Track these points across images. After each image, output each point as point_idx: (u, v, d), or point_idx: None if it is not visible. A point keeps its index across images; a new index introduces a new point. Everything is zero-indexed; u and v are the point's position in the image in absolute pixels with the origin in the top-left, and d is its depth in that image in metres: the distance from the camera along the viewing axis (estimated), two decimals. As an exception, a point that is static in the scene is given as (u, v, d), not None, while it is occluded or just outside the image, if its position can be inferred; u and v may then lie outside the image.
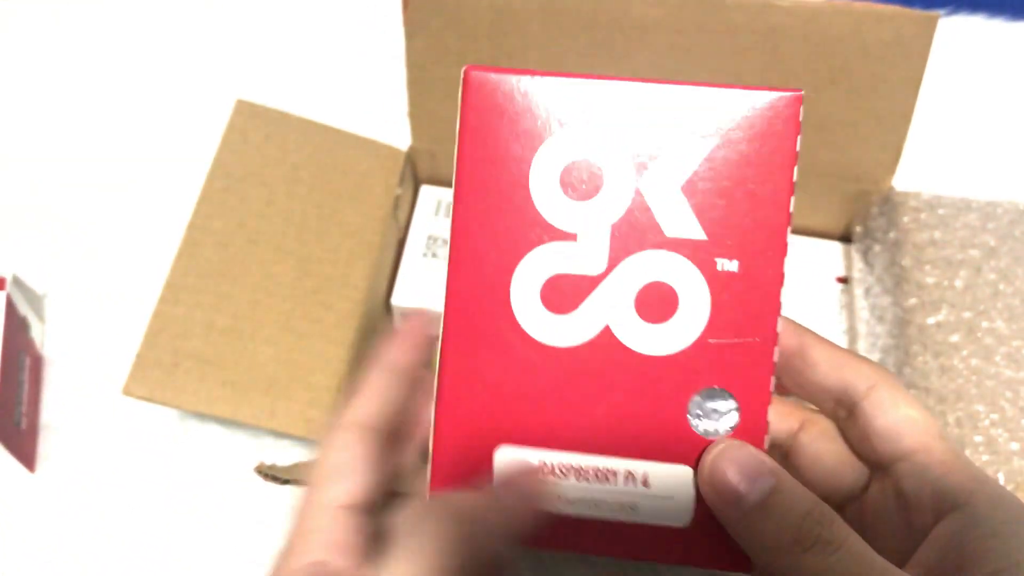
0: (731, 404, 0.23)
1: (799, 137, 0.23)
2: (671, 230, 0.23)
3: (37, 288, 0.55)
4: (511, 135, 0.23)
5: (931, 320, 0.46)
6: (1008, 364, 0.45)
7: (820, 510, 0.21)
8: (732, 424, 0.23)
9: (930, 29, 0.44)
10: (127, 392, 0.45)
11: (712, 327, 0.23)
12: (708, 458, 0.23)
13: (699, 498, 0.23)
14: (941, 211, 0.49)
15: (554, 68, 0.51)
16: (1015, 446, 0.43)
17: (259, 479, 0.36)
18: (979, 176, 0.57)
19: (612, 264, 0.23)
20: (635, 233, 0.23)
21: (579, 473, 0.23)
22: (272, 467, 0.37)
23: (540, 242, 0.23)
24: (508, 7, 0.46)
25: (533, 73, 0.23)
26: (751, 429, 0.23)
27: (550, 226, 0.23)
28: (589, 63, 0.47)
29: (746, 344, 0.23)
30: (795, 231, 0.55)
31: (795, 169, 0.23)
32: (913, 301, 0.46)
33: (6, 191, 0.60)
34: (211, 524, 0.49)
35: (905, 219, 0.48)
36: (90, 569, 0.48)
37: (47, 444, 0.51)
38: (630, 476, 0.23)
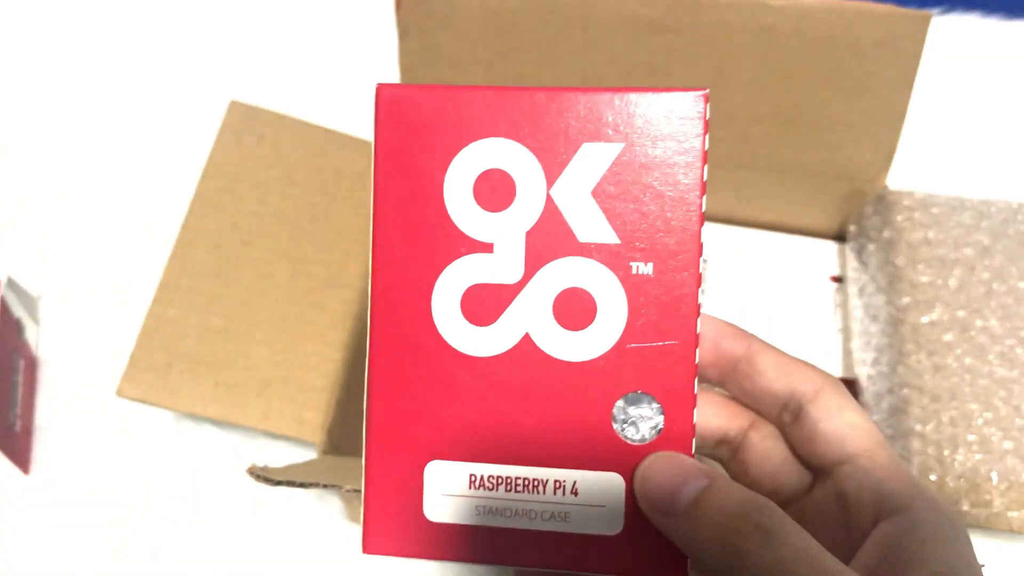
0: (655, 408, 0.23)
1: (706, 136, 0.23)
2: (584, 235, 0.23)
3: (31, 290, 0.55)
4: (424, 150, 0.23)
5: (925, 319, 0.46)
6: (1001, 363, 0.45)
7: (757, 500, 0.21)
8: (657, 428, 0.23)
9: (923, 28, 0.44)
10: (121, 393, 0.45)
11: (630, 331, 0.23)
12: (638, 473, 0.23)
13: (630, 506, 0.23)
14: (935, 210, 0.49)
15: (548, 68, 0.51)
16: (1008, 445, 0.43)
17: (252, 480, 0.36)
18: (973, 175, 0.57)
19: (529, 273, 0.23)
20: (549, 240, 0.23)
21: (508, 484, 0.23)
22: (265, 468, 0.37)
23: (458, 255, 0.23)
24: (501, 8, 0.46)
25: (443, 88, 0.23)
26: (677, 433, 0.23)
27: (466, 237, 0.23)
28: (582, 63, 0.47)
29: (666, 347, 0.23)
30: (789, 230, 0.55)
31: (705, 168, 0.23)
32: (907, 300, 0.46)
33: (0, 193, 0.60)
34: (205, 525, 0.49)
35: (899, 218, 0.48)
36: (85, 570, 0.48)
37: (42, 446, 0.51)
38: (559, 485, 0.23)
